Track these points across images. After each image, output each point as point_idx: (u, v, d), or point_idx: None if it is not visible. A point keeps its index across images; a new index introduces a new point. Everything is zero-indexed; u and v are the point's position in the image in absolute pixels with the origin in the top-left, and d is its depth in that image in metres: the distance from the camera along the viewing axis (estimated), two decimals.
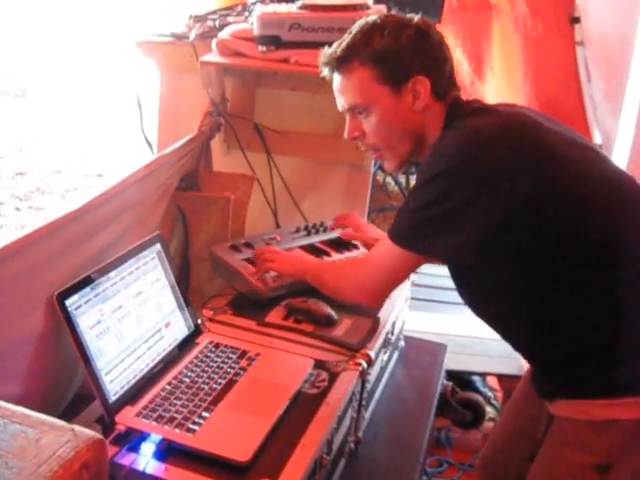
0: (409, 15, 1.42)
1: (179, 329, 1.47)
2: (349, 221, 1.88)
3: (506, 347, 1.46)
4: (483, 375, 2.64)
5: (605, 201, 1.26)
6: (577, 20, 3.63)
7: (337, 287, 1.50)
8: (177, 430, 1.18)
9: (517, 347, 1.44)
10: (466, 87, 4.35)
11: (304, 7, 1.92)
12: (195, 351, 1.43)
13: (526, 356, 1.45)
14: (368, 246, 1.79)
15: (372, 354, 1.47)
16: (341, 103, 1.44)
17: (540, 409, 1.44)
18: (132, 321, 1.34)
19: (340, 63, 1.39)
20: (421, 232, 1.28)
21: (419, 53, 1.36)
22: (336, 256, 1.81)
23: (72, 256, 1.31)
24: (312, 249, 1.85)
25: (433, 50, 1.38)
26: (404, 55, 1.35)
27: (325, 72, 1.44)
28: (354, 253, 1.84)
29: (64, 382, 1.36)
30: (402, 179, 4.26)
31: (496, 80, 4.17)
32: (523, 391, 1.61)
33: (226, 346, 1.44)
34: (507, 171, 1.22)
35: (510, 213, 1.22)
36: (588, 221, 1.25)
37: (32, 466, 0.70)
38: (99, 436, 0.76)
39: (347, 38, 1.40)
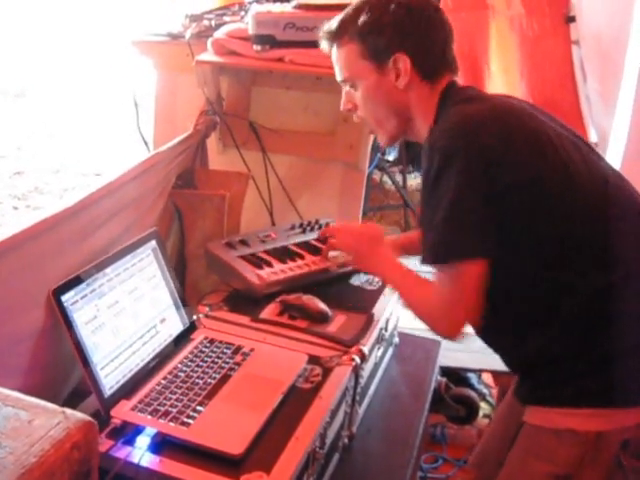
0: None
1: (174, 325, 1.48)
2: (330, 231, 1.87)
3: None
4: (478, 372, 2.65)
5: (591, 199, 1.27)
6: (572, 19, 3.64)
7: (420, 313, 1.37)
8: (172, 423, 1.20)
9: (490, 344, 1.44)
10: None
11: (298, 7, 1.93)
12: (190, 346, 1.44)
13: (500, 356, 1.45)
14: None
15: (365, 350, 1.48)
16: (336, 76, 1.49)
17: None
18: (128, 317, 1.36)
19: (334, 37, 1.44)
20: (469, 234, 1.23)
21: (402, 30, 1.37)
22: (330, 254, 1.82)
23: (69, 252, 1.33)
24: (307, 247, 1.86)
25: (419, 28, 1.37)
26: (385, 32, 1.37)
27: (323, 45, 1.48)
28: None
29: (62, 377, 1.37)
30: (399, 178, 4.27)
31: (492, 80, 4.18)
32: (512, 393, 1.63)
33: (221, 342, 1.46)
34: (493, 161, 1.21)
35: (494, 204, 1.21)
36: (573, 218, 1.25)
37: (24, 446, 0.73)
38: (89, 418, 0.79)
39: (342, 14, 1.45)
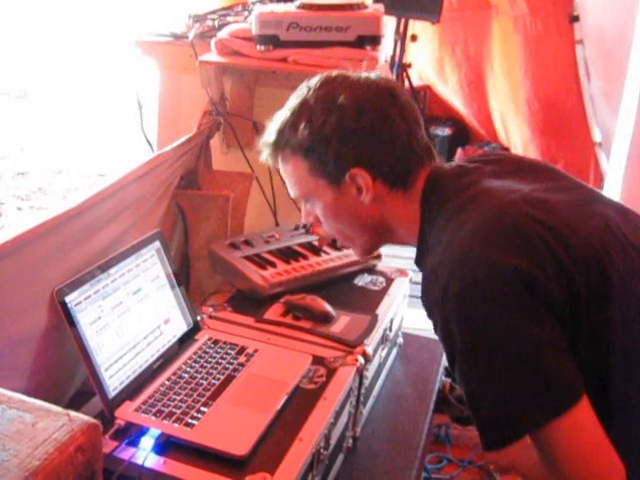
0: (353, 75, 1.21)
1: (178, 325, 1.48)
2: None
3: None
4: None
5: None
6: (576, 19, 3.64)
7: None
8: (176, 424, 1.19)
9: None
10: (464, 89, 4.37)
11: (302, 6, 1.93)
12: (194, 347, 1.44)
13: None
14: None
15: (369, 350, 1.48)
16: (289, 190, 1.30)
17: None
18: (132, 318, 1.35)
19: (275, 149, 1.25)
20: (536, 396, 0.95)
21: (350, 141, 1.15)
22: (334, 254, 1.81)
23: (73, 253, 1.33)
24: (311, 247, 1.86)
25: (370, 132, 1.15)
26: (331, 147, 1.16)
27: (265, 157, 1.29)
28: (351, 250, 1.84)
29: (65, 378, 1.37)
30: None
31: (496, 79, 4.18)
32: None
33: (225, 342, 1.46)
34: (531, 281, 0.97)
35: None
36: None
37: (28, 449, 0.72)
38: (93, 420, 0.78)
39: (280, 119, 1.24)
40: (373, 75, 1.22)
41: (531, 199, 1.08)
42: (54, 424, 0.72)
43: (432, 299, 1.06)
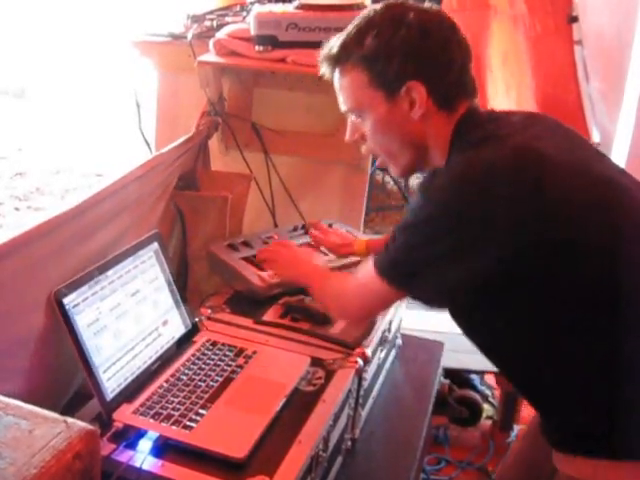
0: (416, 4, 1.27)
1: (176, 327, 1.47)
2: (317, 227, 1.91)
3: None
4: (481, 373, 2.64)
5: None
6: (575, 19, 3.63)
7: (323, 302, 1.47)
8: (174, 427, 1.19)
9: (516, 386, 1.35)
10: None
11: (301, 7, 1.92)
12: (192, 349, 1.43)
13: (525, 398, 1.36)
14: (332, 251, 1.83)
15: (368, 352, 1.47)
16: (341, 105, 1.34)
17: (546, 455, 1.29)
18: (130, 319, 1.35)
19: (336, 62, 1.29)
20: (403, 270, 1.18)
21: (414, 56, 1.21)
22: (332, 255, 1.81)
23: (70, 255, 1.32)
24: (310, 248, 1.85)
25: (432, 52, 1.22)
26: (395, 58, 1.21)
27: (324, 70, 1.33)
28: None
29: (63, 380, 1.36)
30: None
31: (494, 80, 4.17)
32: (530, 433, 1.51)
33: (223, 344, 1.45)
34: (501, 223, 1.09)
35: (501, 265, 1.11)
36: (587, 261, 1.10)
37: (25, 456, 0.72)
38: (91, 427, 0.77)
39: (343, 35, 1.28)
40: (436, 7, 1.30)
41: (547, 145, 1.15)
42: (51, 431, 0.71)
43: (426, 187, 1.26)
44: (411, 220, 1.19)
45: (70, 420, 0.74)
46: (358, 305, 1.32)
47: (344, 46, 1.27)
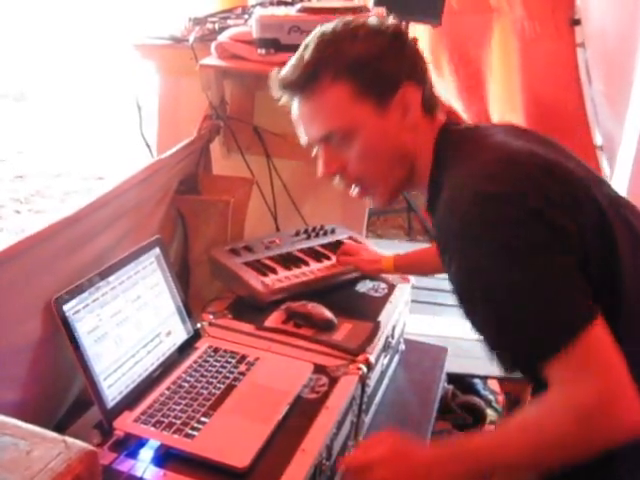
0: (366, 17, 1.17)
1: (178, 333, 1.46)
2: (346, 249, 1.82)
3: None
4: (484, 378, 2.63)
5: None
6: (577, 22, 3.62)
7: (566, 442, 0.94)
8: (175, 436, 1.17)
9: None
10: (463, 92, 4.35)
11: (303, 10, 1.91)
12: (194, 356, 1.42)
13: None
14: (360, 269, 1.76)
15: (372, 358, 1.46)
16: (310, 134, 1.18)
17: None
18: (131, 326, 1.33)
19: (305, 84, 1.13)
20: (555, 305, 0.94)
21: (403, 57, 1.13)
22: (335, 260, 1.80)
23: (70, 260, 1.31)
24: (312, 253, 1.84)
25: (413, 50, 1.15)
26: (388, 59, 1.11)
27: (284, 99, 1.18)
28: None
29: (62, 388, 1.35)
30: None
31: (495, 83, 4.16)
32: None
33: (225, 350, 1.44)
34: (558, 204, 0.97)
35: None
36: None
37: (23, 479, 0.69)
38: (91, 447, 0.75)
39: (307, 52, 1.13)
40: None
41: (545, 155, 1.06)
42: (50, 452, 0.69)
43: (448, 234, 1.03)
44: (487, 265, 0.96)
45: (70, 440, 0.72)
46: (604, 380, 0.92)
47: (316, 60, 1.12)
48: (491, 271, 0.96)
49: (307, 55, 1.12)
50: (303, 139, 1.20)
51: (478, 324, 1.03)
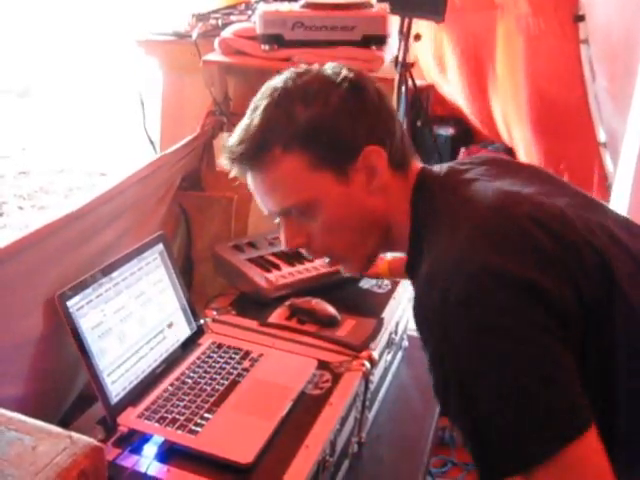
0: (321, 67, 1.07)
1: (182, 329, 1.46)
2: None
3: None
4: None
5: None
6: (581, 18, 3.61)
7: None
8: (179, 431, 1.18)
9: None
10: (466, 89, 4.34)
11: (307, 5, 1.91)
12: (198, 352, 1.42)
13: None
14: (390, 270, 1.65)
15: (375, 354, 1.46)
16: (268, 207, 1.09)
17: None
18: (134, 322, 1.34)
19: (255, 156, 1.03)
20: (539, 409, 0.81)
21: (361, 116, 1.02)
22: None
23: (73, 257, 1.31)
24: None
25: (375, 106, 1.04)
26: (344, 122, 1.01)
27: (235, 171, 1.08)
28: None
29: (65, 384, 1.35)
30: None
31: (498, 80, 4.16)
32: None
33: (229, 347, 1.44)
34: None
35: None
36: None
37: (29, 474, 0.69)
38: (97, 443, 0.75)
39: (255, 116, 1.04)
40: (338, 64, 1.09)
41: (531, 200, 0.97)
42: (55, 447, 0.69)
43: (426, 310, 0.92)
44: (467, 359, 0.85)
45: (75, 435, 0.72)
46: None
47: (264, 129, 1.02)
48: (483, 363, 0.85)
49: (255, 121, 1.04)
50: (262, 209, 1.12)
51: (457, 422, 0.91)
